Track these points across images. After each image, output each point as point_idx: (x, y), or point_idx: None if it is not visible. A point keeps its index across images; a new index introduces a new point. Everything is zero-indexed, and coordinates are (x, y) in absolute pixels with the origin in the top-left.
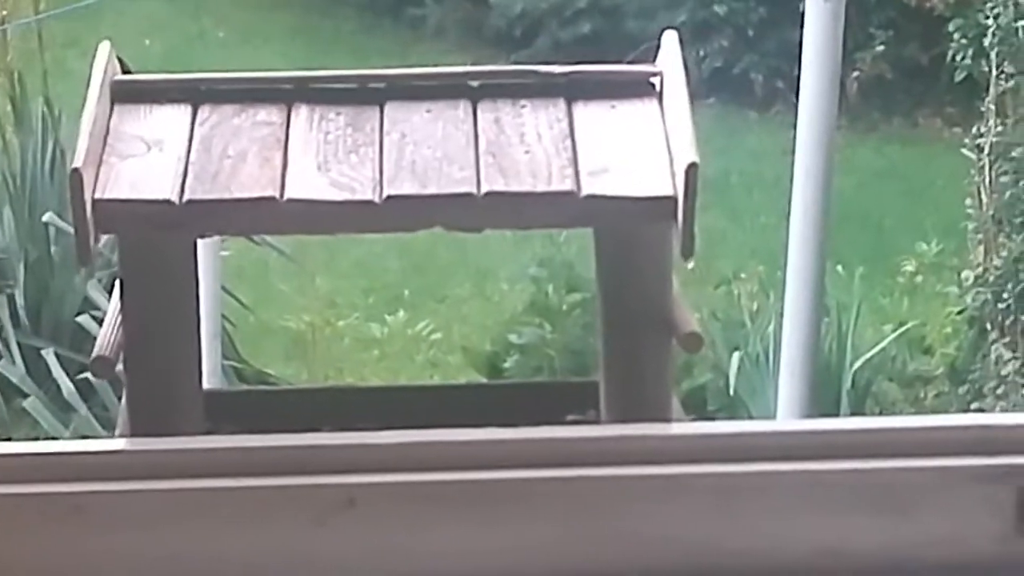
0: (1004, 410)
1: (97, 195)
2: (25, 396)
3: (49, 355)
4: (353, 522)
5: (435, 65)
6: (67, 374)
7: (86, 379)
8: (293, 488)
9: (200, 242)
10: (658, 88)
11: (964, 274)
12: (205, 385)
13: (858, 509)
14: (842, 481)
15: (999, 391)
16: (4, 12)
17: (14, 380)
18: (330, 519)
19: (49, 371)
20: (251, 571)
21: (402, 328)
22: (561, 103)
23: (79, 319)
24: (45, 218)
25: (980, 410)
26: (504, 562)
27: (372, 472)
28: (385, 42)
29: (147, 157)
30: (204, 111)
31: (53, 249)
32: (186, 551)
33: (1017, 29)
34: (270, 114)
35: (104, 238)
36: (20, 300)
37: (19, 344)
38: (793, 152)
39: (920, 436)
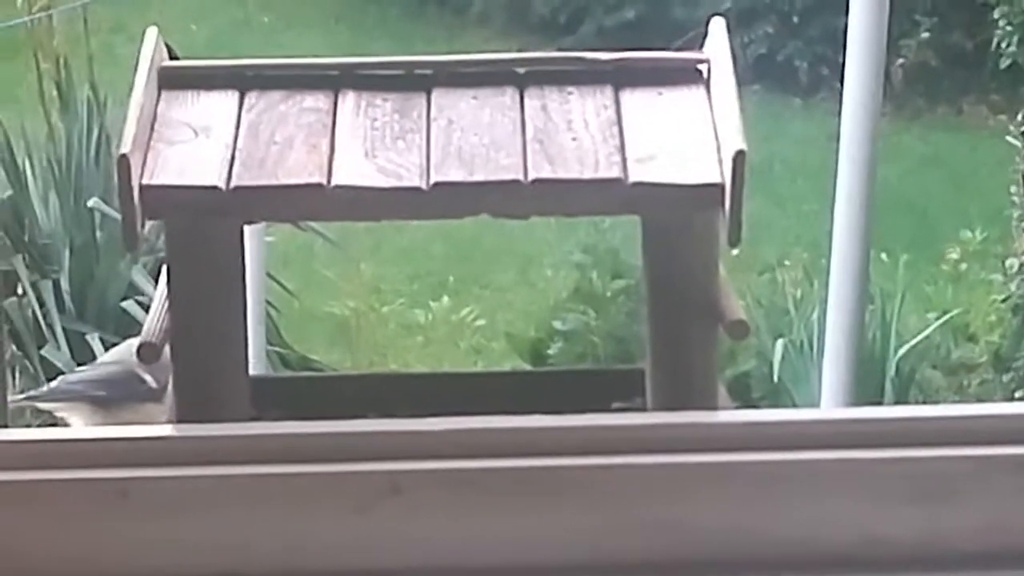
0: None
1: (144, 181)
2: None
3: (94, 340)
4: (397, 509)
5: (480, 51)
6: None
7: None
8: (337, 475)
9: (246, 228)
10: (705, 75)
11: (1009, 262)
12: (250, 371)
13: (901, 497)
14: (885, 469)
15: None
16: None
17: (59, 365)
18: (374, 506)
19: (94, 356)
20: (295, 557)
21: (446, 314)
22: (608, 90)
23: (124, 304)
24: (90, 203)
25: None
26: (549, 550)
27: (416, 459)
28: (430, 28)
29: (194, 143)
30: (251, 97)
31: (98, 235)
32: (230, 537)
33: None
34: (317, 100)
35: (149, 223)
36: (65, 285)
37: (64, 329)
38: (837, 139)
39: (963, 425)
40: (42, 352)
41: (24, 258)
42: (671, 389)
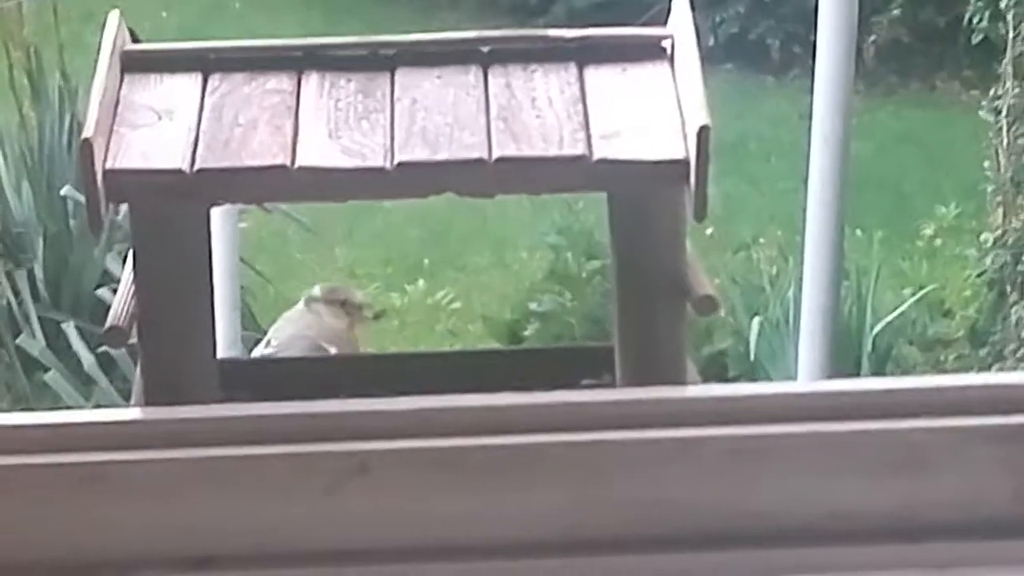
0: None
1: (108, 165)
2: (46, 370)
3: (69, 328)
4: (366, 489)
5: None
6: (87, 347)
7: (107, 352)
8: (306, 455)
9: (218, 213)
10: (669, 51)
11: (983, 237)
12: (222, 355)
13: (874, 470)
14: (858, 442)
15: (1019, 353)
16: None
17: (34, 354)
18: (343, 486)
19: (69, 344)
20: (265, 538)
21: (422, 297)
22: (572, 67)
23: (98, 292)
24: (63, 192)
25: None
26: (518, 527)
27: (385, 439)
28: (401, 11)
29: (158, 126)
30: (214, 80)
31: (72, 222)
32: (200, 519)
33: None
34: (280, 82)
35: (123, 209)
36: (39, 274)
37: (39, 318)
38: (810, 117)
39: (936, 396)
40: (17, 341)
41: None
42: (639, 365)
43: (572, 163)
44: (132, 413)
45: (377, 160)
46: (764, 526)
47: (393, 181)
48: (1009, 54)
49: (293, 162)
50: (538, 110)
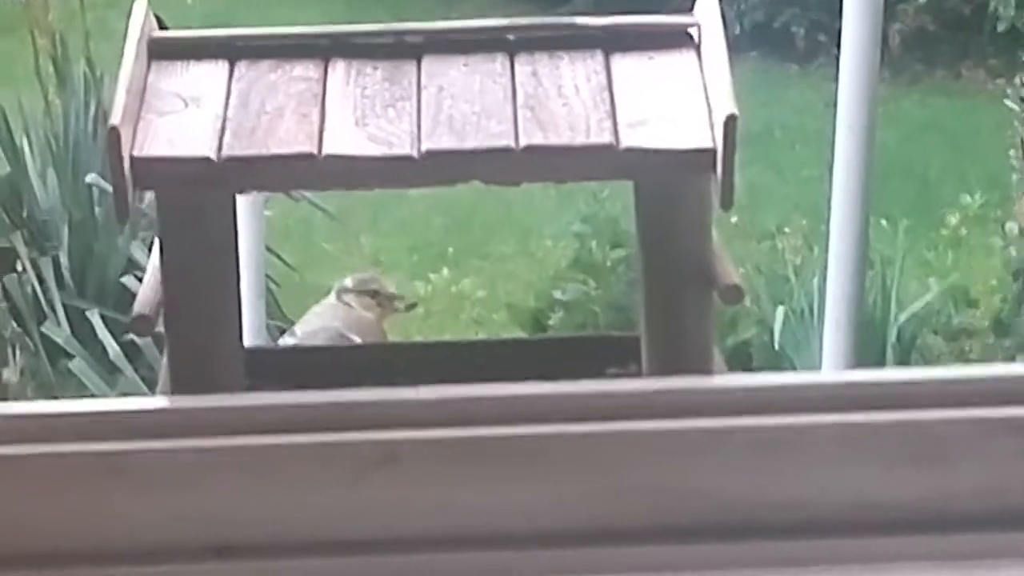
0: None
1: (135, 152)
2: (71, 358)
3: (94, 316)
4: (394, 478)
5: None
6: (112, 335)
7: (131, 340)
8: (333, 444)
9: (244, 202)
10: (696, 39)
11: (1008, 226)
12: (248, 344)
13: (899, 460)
14: (883, 432)
15: None
16: None
17: (60, 341)
18: (371, 475)
19: (94, 332)
20: (291, 528)
21: (446, 286)
22: (599, 55)
23: (123, 280)
24: (88, 179)
25: None
26: (546, 516)
27: (413, 428)
28: (425, 1)
29: (184, 114)
30: (241, 67)
31: (97, 210)
32: (226, 508)
33: None
34: (307, 70)
35: (147, 198)
36: (64, 262)
37: (64, 306)
38: (835, 105)
39: (962, 387)
40: (42, 328)
41: (23, 235)
42: (666, 355)
43: (599, 152)
44: (158, 402)
45: (404, 148)
46: (790, 517)
47: (420, 169)
48: None
49: (320, 150)
50: (565, 98)
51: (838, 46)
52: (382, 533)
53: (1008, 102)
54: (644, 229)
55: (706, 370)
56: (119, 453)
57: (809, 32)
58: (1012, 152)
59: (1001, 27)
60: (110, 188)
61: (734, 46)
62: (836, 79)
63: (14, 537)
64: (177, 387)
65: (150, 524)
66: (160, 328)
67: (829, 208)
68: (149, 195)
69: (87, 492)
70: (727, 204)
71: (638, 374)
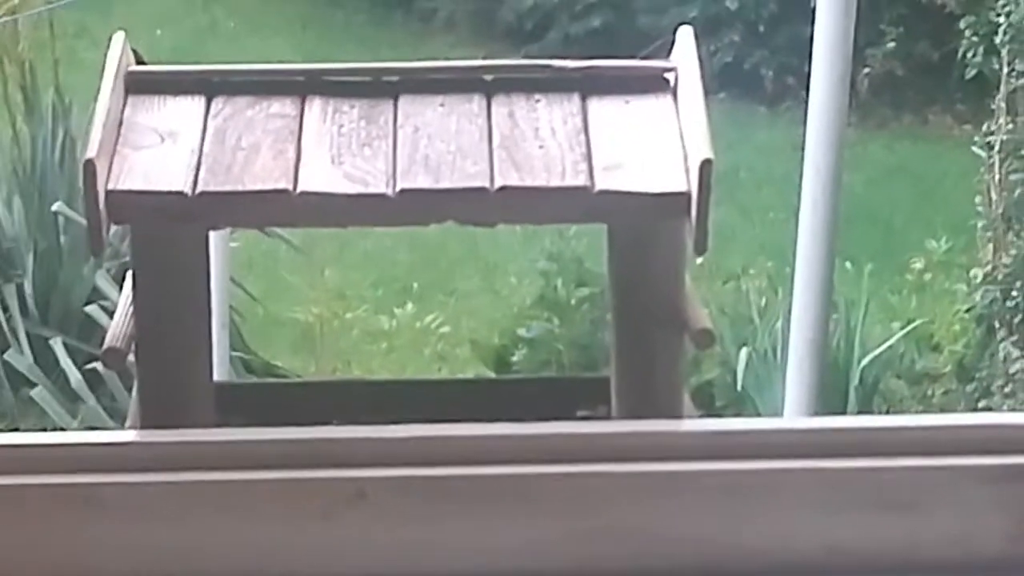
0: (1012, 408)
1: (110, 186)
2: (33, 386)
3: (57, 344)
4: (362, 515)
5: (446, 58)
6: (75, 364)
7: (94, 369)
8: (302, 481)
9: (211, 234)
10: (672, 84)
11: (973, 272)
12: (214, 377)
13: (867, 507)
14: (851, 479)
15: (1007, 389)
16: (15, 1)
17: (22, 369)
18: (339, 512)
19: (57, 361)
20: (261, 563)
21: (411, 321)
22: (575, 98)
23: (87, 309)
24: (54, 207)
25: (988, 408)
26: (512, 557)
27: (381, 466)
28: (396, 34)
29: (160, 148)
30: (218, 103)
31: (62, 239)
32: (195, 543)
33: None
34: (284, 106)
35: (113, 228)
36: (29, 289)
37: (27, 333)
38: (803, 148)
39: (929, 435)
40: (5, 356)
41: None
42: (636, 397)
43: (574, 194)
44: (128, 435)
45: (379, 187)
46: (758, 561)
47: (395, 208)
48: (1003, 90)
49: (295, 187)
50: (541, 140)
51: (807, 89)
52: (350, 569)
53: (975, 148)
54: (617, 272)
55: (676, 413)
56: (88, 486)
57: (778, 75)
58: (978, 198)
59: (969, 74)
60: (76, 217)
61: (704, 87)
62: (804, 122)
63: None
64: (147, 421)
65: (119, 557)
66: (130, 360)
67: (795, 250)
68: (116, 227)
69: (56, 524)
70: (701, 248)
71: (608, 416)
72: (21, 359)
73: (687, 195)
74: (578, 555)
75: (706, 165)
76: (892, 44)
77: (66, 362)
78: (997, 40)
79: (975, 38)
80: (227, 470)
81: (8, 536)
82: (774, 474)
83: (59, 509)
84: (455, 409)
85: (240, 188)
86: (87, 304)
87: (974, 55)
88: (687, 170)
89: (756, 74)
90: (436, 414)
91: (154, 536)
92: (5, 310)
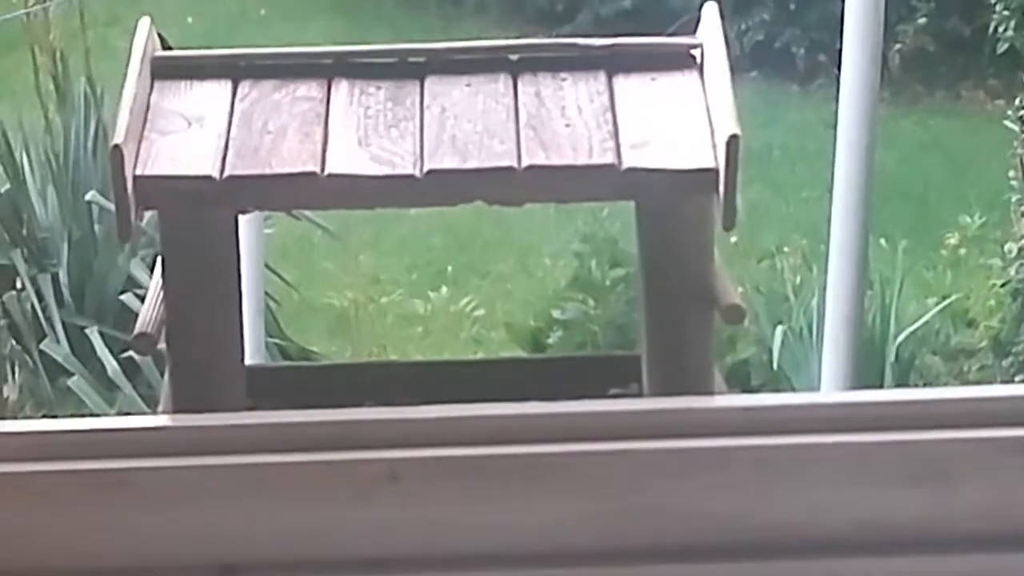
0: None
1: (138, 171)
2: (70, 375)
3: (93, 334)
4: (396, 497)
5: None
6: (111, 352)
7: (130, 357)
8: (336, 463)
9: (243, 220)
10: (699, 60)
11: (1007, 246)
12: (247, 362)
13: (900, 481)
14: (884, 453)
15: None
16: None
17: (59, 359)
18: (373, 494)
19: (93, 350)
20: (293, 546)
21: (445, 305)
22: (602, 76)
23: (123, 297)
24: (88, 197)
25: None
26: (545, 536)
27: (415, 447)
28: (427, 19)
29: (187, 133)
30: (244, 87)
31: (96, 228)
32: (228, 527)
33: None
34: (310, 89)
35: (147, 215)
36: (64, 279)
37: (63, 323)
38: (835, 126)
39: (962, 407)
40: (41, 346)
41: (22, 252)
42: (667, 374)
43: (601, 172)
44: (160, 420)
45: (406, 168)
46: (790, 536)
47: (422, 189)
48: None
49: (323, 169)
50: (567, 119)
51: (838, 66)
52: (384, 551)
53: (1007, 123)
54: (645, 249)
55: (707, 390)
56: (121, 471)
57: (809, 52)
58: (1011, 173)
59: (1001, 48)
60: (110, 206)
61: (734, 66)
62: (836, 99)
63: (15, 554)
64: (178, 405)
65: (152, 542)
66: (161, 346)
67: (829, 228)
68: (149, 213)
69: (89, 510)
70: (729, 225)
71: (639, 394)
72: (58, 348)
73: (715, 171)
74: (611, 532)
75: (733, 140)
76: (923, 20)
77: (102, 351)
78: None
79: (1006, 12)
80: (259, 453)
81: (42, 522)
82: (805, 449)
83: (92, 494)
84: (487, 389)
85: (268, 171)
86: (122, 293)
87: (1005, 29)
88: (714, 146)
89: (787, 52)
90: (468, 394)
91: (187, 520)
92: (41, 300)
